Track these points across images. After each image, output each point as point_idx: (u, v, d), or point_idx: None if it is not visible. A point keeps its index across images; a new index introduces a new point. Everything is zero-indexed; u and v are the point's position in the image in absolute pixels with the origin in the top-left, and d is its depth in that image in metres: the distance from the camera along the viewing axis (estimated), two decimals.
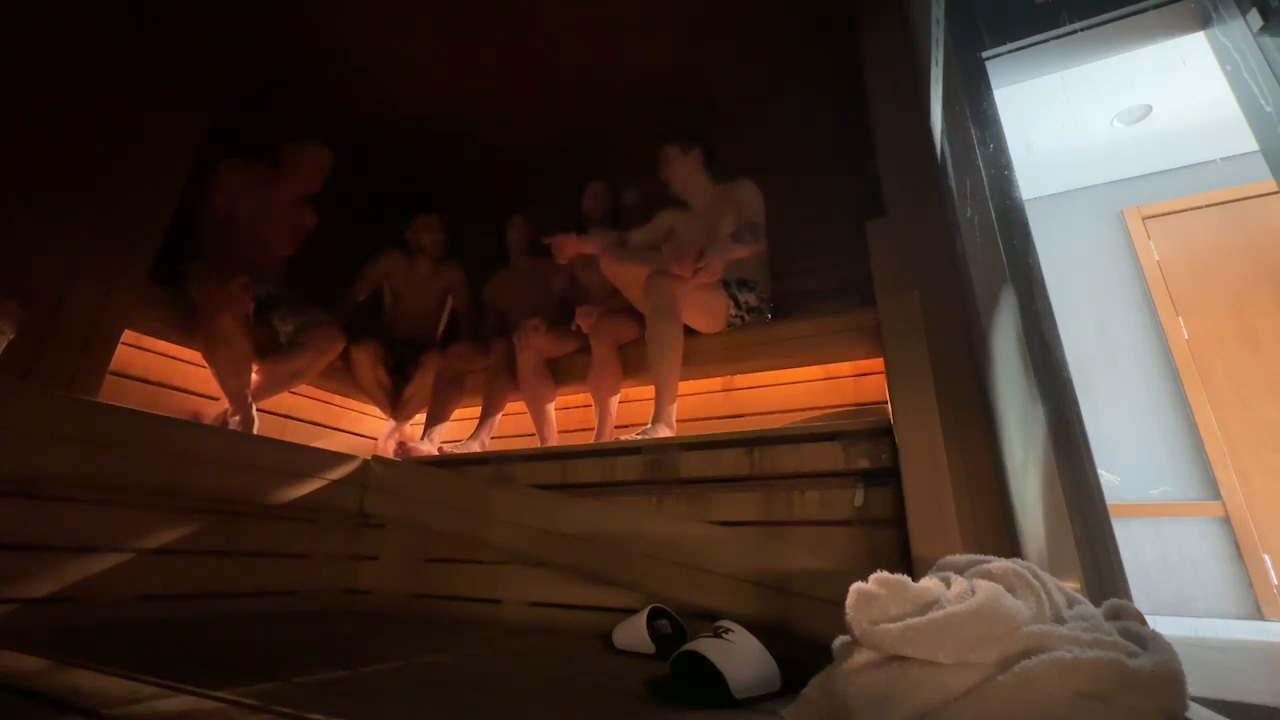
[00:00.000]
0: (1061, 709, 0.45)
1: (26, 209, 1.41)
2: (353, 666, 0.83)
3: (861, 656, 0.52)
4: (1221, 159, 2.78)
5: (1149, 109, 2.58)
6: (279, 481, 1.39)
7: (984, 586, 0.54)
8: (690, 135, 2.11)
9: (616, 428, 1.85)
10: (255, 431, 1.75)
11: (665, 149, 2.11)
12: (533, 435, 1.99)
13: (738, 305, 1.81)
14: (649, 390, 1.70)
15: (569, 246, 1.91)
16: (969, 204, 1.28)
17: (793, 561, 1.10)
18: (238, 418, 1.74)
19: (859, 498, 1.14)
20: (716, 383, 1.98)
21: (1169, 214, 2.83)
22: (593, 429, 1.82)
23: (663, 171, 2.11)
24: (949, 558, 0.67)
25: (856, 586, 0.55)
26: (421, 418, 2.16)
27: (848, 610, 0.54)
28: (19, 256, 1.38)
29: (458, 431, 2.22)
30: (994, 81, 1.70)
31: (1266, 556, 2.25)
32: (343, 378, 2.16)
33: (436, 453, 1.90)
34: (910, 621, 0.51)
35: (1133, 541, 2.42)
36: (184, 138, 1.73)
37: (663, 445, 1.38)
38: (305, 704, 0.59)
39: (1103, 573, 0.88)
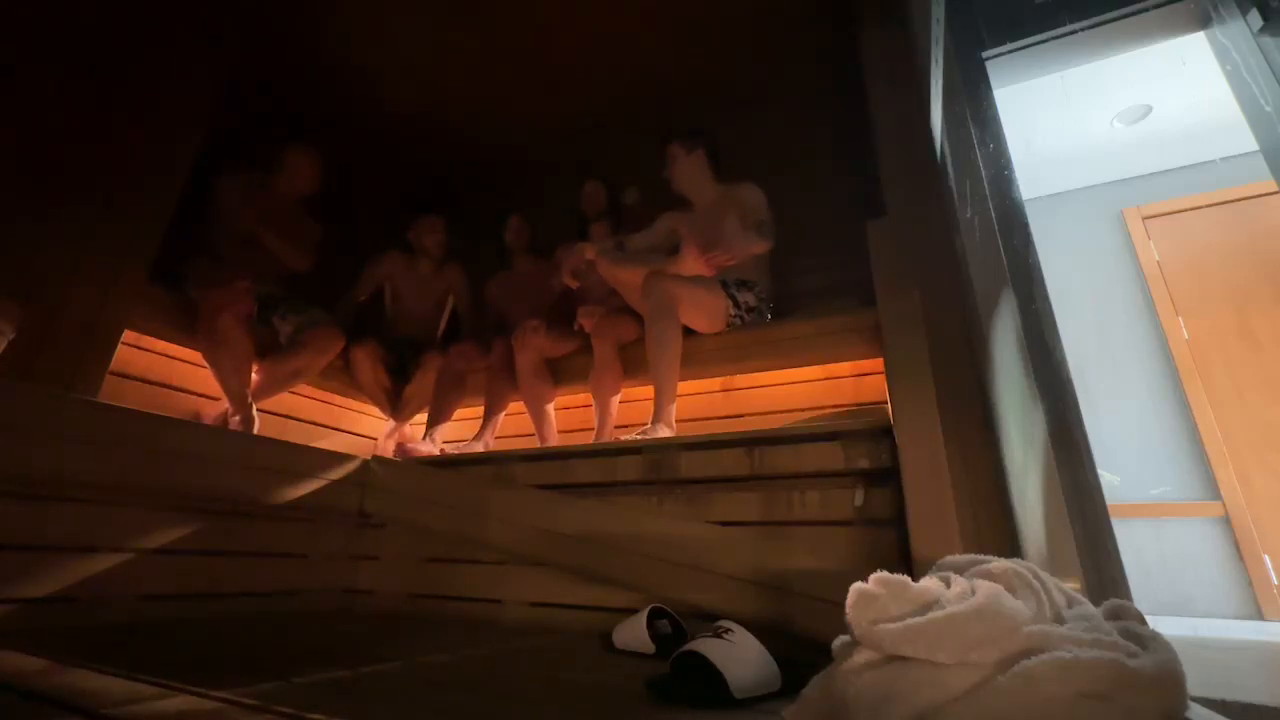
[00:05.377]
0: (1061, 709, 0.45)
1: (27, 209, 1.42)
2: (353, 666, 0.83)
3: (862, 656, 0.52)
4: (1221, 159, 2.78)
5: (1149, 109, 2.58)
6: (279, 481, 1.39)
7: (984, 586, 0.54)
8: (693, 134, 2.10)
9: (616, 428, 1.85)
10: (255, 431, 1.75)
11: (669, 147, 2.09)
12: (533, 435, 1.99)
13: (736, 305, 1.81)
14: (649, 390, 1.70)
15: (568, 264, 1.93)
16: (969, 204, 1.28)
17: (793, 561, 1.10)
18: (238, 418, 1.74)
19: (859, 498, 1.14)
20: (716, 383, 1.98)
21: (1169, 214, 2.83)
22: (593, 429, 1.82)
23: (666, 170, 2.10)
24: (949, 558, 0.67)
25: (856, 586, 0.55)
26: (421, 418, 2.16)
27: (848, 610, 0.54)
28: (19, 256, 1.38)
29: (458, 431, 2.22)
30: (994, 81, 1.70)
31: (1266, 556, 2.25)
32: (343, 378, 2.16)
33: (437, 453, 1.90)
34: (910, 621, 0.51)
35: (1133, 541, 2.42)
36: (184, 138, 1.73)
37: (663, 445, 1.38)
38: (305, 704, 0.59)
39: (1103, 573, 0.88)
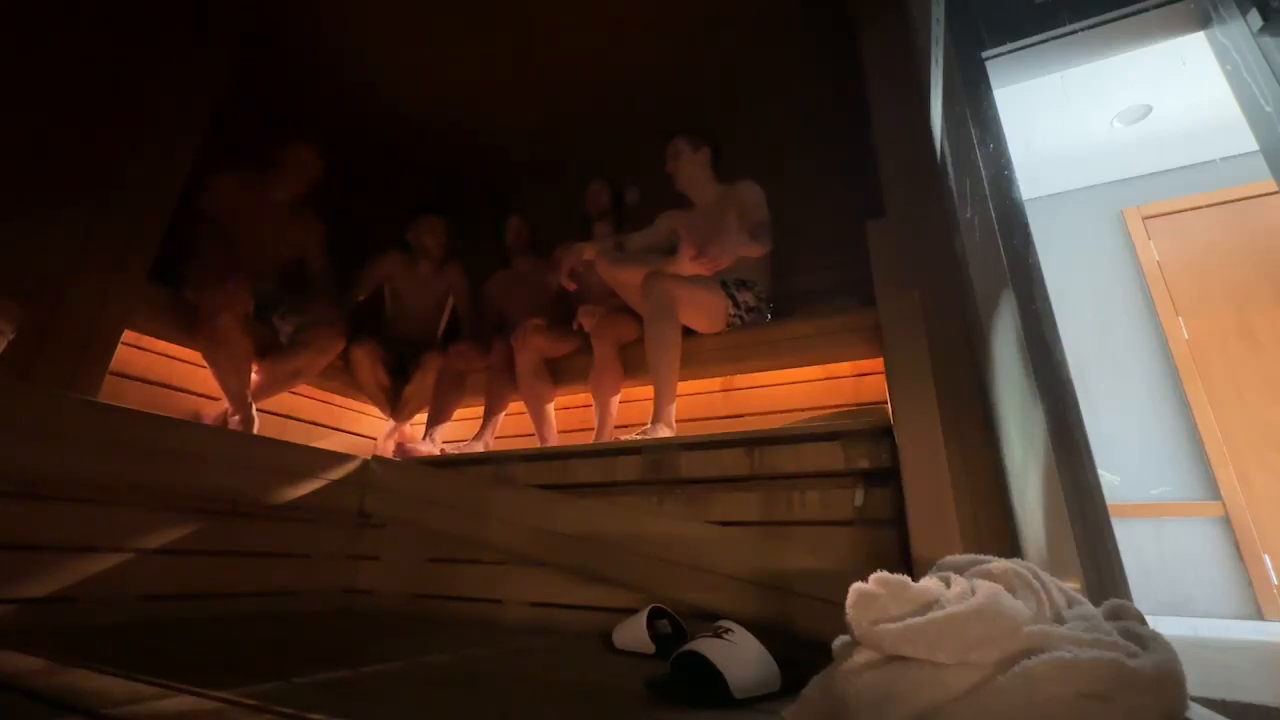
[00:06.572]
0: (1061, 709, 0.45)
1: (26, 209, 1.42)
2: (353, 666, 0.83)
3: (862, 656, 0.52)
4: (1221, 159, 2.78)
5: (1149, 109, 2.58)
6: (279, 481, 1.39)
7: (984, 586, 0.54)
8: (701, 133, 2.10)
9: (616, 428, 1.85)
10: (255, 431, 1.75)
11: (676, 142, 2.08)
12: (533, 435, 1.99)
13: (736, 305, 1.81)
14: (649, 390, 1.70)
15: (566, 264, 1.93)
16: (969, 204, 1.28)
17: (793, 561, 1.10)
18: (238, 418, 1.74)
19: (859, 498, 1.14)
20: (716, 383, 1.98)
21: (1169, 214, 2.83)
22: (593, 429, 1.82)
23: (671, 165, 2.09)
24: (949, 558, 0.67)
25: (856, 586, 0.55)
26: (421, 418, 2.16)
27: (848, 610, 0.54)
28: (19, 256, 1.38)
29: (458, 431, 2.22)
30: (994, 81, 1.70)
31: (1266, 556, 2.25)
32: (343, 378, 2.16)
33: (437, 453, 1.90)
34: (910, 621, 0.51)
35: (1133, 541, 2.42)
36: (183, 138, 1.73)
37: (663, 445, 1.38)
38: (305, 704, 0.59)
39: (1103, 573, 0.88)
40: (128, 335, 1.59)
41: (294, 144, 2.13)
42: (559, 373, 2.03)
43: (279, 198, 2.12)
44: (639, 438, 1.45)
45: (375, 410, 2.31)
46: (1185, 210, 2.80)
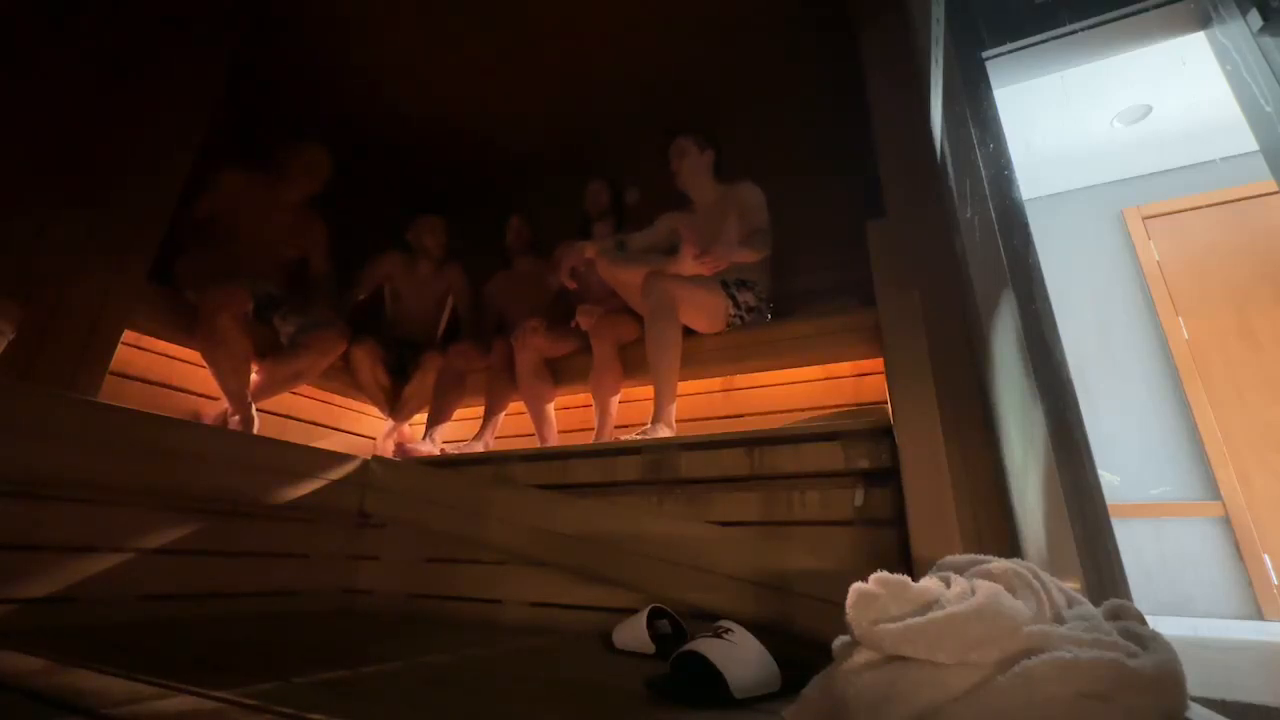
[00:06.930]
0: (1061, 709, 0.45)
1: (26, 209, 1.42)
2: (353, 666, 0.83)
3: (862, 656, 0.52)
4: (1221, 159, 2.78)
5: (1149, 109, 2.58)
6: (279, 481, 1.39)
7: (984, 586, 0.54)
8: (707, 135, 2.09)
9: (616, 428, 1.85)
10: (255, 431, 1.75)
11: (682, 140, 2.08)
12: (533, 435, 1.99)
13: (736, 305, 1.81)
14: (649, 390, 1.70)
15: (567, 263, 1.92)
16: (969, 204, 1.28)
17: (793, 561, 1.10)
18: (238, 418, 1.74)
19: (859, 498, 1.14)
20: (716, 383, 1.98)
21: (1169, 214, 2.83)
22: (593, 429, 1.82)
23: (675, 163, 2.08)
24: (949, 558, 0.67)
25: (856, 586, 0.55)
26: (421, 418, 2.16)
27: (848, 610, 0.54)
28: (19, 256, 1.38)
29: (458, 431, 2.22)
30: (994, 81, 1.70)
31: (1266, 556, 2.25)
32: (343, 378, 2.16)
33: (437, 453, 1.90)
34: (910, 621, 0.51)
35: (1133, 541, 2.42)
36: (183, 138, 1.73)
37: (662, 445, 1.38)
38: (305, 704, 0.59)
39: (1103, 573, 0.88)
40: (128, 335, 1.59)
41: (304, 144, 2.13)
42: (559, 373, 2.03)
43: (289, 199, 2.11)
44: (639, 438, 1.45)
45: (375, 410, 2.31)
46: (1185, 210, 2.80)
